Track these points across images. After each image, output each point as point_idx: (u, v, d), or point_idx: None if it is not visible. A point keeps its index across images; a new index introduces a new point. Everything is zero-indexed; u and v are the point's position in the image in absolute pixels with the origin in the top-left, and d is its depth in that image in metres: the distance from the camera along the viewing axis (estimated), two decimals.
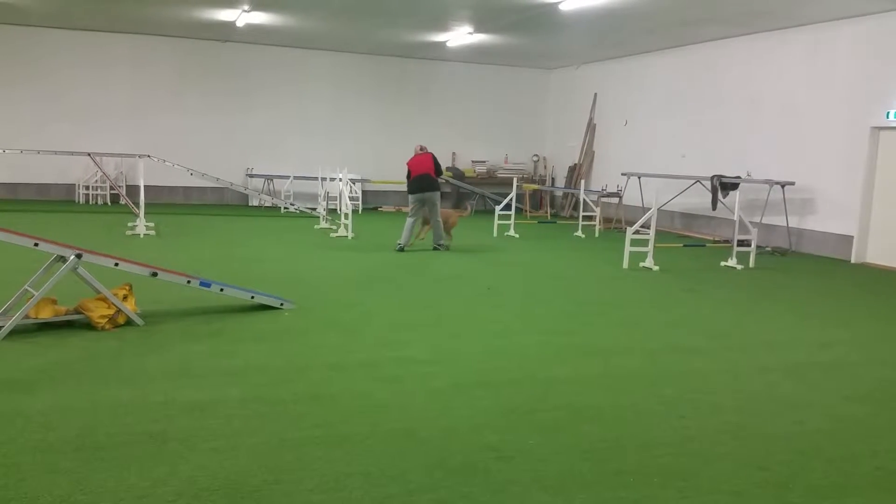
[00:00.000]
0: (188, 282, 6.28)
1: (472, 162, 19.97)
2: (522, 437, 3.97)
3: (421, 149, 11.59)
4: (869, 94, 11.66)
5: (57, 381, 4.59)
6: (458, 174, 19.35)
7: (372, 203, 18.86)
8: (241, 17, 14.33)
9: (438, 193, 11.35)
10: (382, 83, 19.41)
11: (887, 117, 11.36)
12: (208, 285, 6.38)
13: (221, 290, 6.47)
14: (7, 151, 14.19)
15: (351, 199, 13.28)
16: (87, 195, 16.73)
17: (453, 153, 19.78)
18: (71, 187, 16.91)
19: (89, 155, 14.54)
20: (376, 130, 19.38)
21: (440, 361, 5.40)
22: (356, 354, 5.49)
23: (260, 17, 14.48)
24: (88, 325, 5.71)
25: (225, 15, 14.36)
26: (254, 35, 16.64)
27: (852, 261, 11.91)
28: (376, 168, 18.69)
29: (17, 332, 5.42)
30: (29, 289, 5.66)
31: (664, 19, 13.01)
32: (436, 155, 11.50)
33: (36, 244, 5.51)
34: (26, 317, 5.50)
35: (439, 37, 15.98)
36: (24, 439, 3.66)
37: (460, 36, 15.68)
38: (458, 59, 18.98)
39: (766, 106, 13.58)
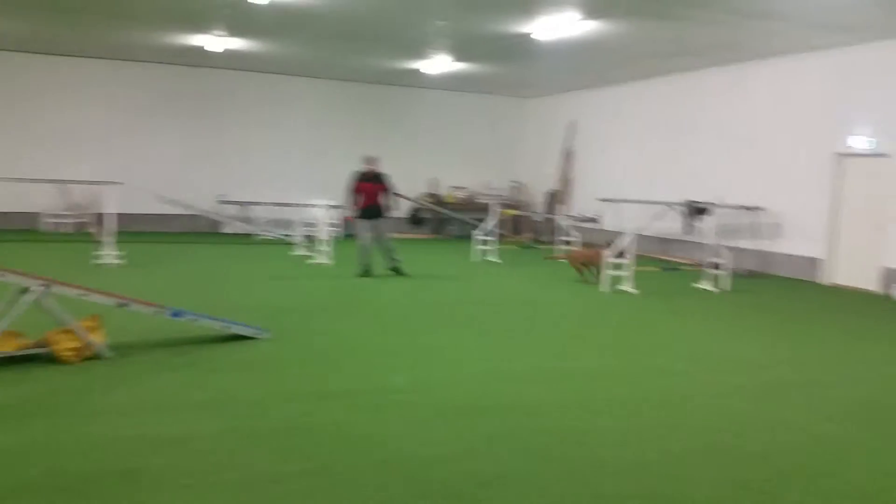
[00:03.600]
0: (158, 312, 6.09)
1: (452, 188, 19.96)
2: (506, 464, 3.88)
3: (368, 162, 11.11)
4: (832, 123, 12.00)
5: (22, 417, 4.38)
6: (437, 200, 19.33)
7: (350, 230, 18.70)
8: (217, 42, 14.24)
9: (385, 220, 11.09)
10: (361, 109, 19.38)
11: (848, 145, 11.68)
12: (180, 315, 6.20)
13: (194, 320, 6.29)
14: None
15: (329, 225, 13.14)
16: (52, 223, 16.36)
17: (432, 179, 19.76)
18: (35, 216, 16.52)
19: (58, 182, 14.23)
20: (355, 157, 19.24)
21: (421, 389, 5.28)
22: (335, 384, 5.35)
23: (236, 43, 14.40)
24: (54, 359, 5.48)
25: (199, 40, 14.25)
26: (229, 60, 16.53)
27: (821, 282, 12.09)
28: None
29: None
30: None
31: (636, 52, 13.23)
32: (385, 175, 11.06)
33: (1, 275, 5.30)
34: None
35: (417, 64, 16.04)
36: None
37: (438, 64, 15.75)
38: (437, 86, 19.04)
39: (736, 134, 13.87)
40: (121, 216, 12.37)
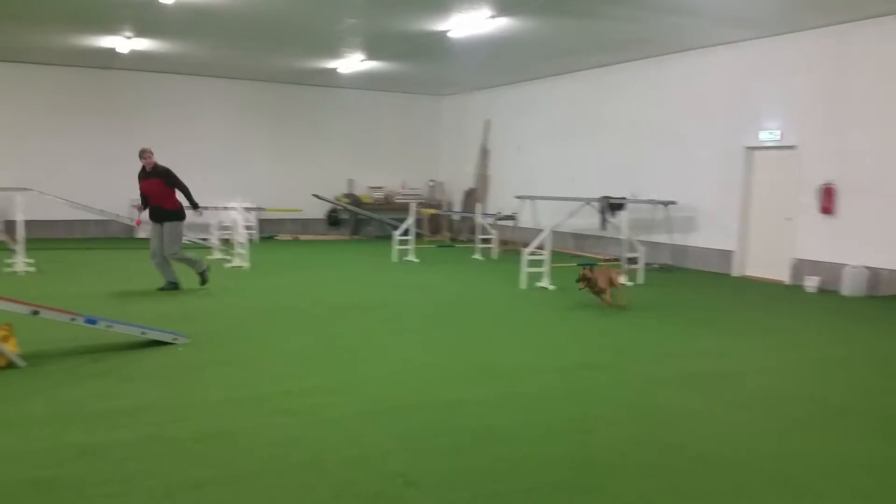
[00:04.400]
0: (73, 319, 5.98)
1: (369, 188, 20.03)
2: (430, 462, 4.00)
3: (146, 155, 9.38)
4: (742, 117, 12.52)
5: None
6: (355, 200, 19.36)
7: (268, 232, 18.52)
8: (124, 43, 13.89)
9: (178, 224, 9.47)
10: (276, 110, 19.23)
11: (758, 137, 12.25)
12: (95, 322, 6.10)
13: (109, 326, 6.20)
14: None
15: (246, 227, 13.00)
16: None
17: (349, 179, 19.78)
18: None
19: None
20: (271, 158, 19.16)
21: (342, 390, 5.37)
22: (255, 388, 5.37)
23: (144, 44, 14.07)
24: None
25: (108, 42, 13.87)
26: (139, 62, 16.14)
27: (733, 274, 12.67)
28: (271, 196, 18.43)
29: None
30: None
31: (549, 48, 13.56)
32: (171, 171, 9.46)
33: None
34: None
35: (331, 63, 16.02)
36: None
37: (352, 63, 15.78)
38: (351, 85, 19.06)
39: (648, 129, 14.36)
40: (31, 223, 11.95)
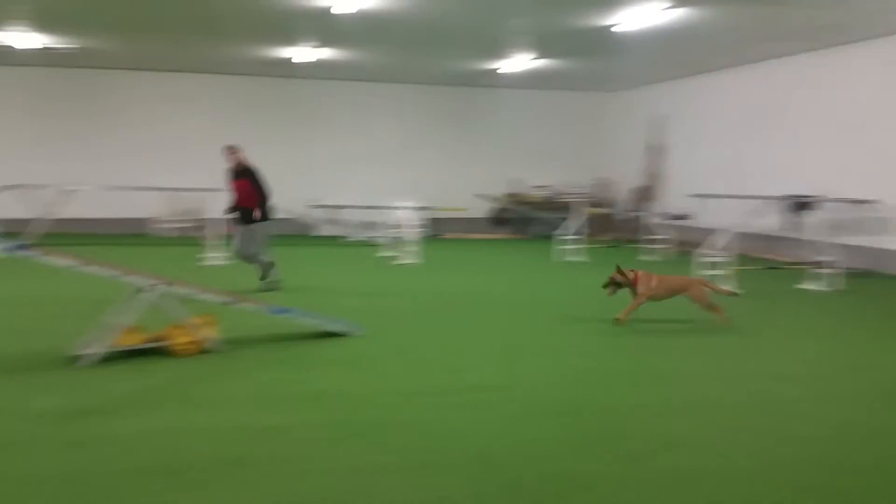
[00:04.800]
0: (262, 310, 6.43)
1: (533, 187, 19.96)
2: (601, 465, 3.91)
3: (230, 151, 9.30)
4: None
5: (143, 406, 4.76)
6: (519, 199, 19.37)
7: (436, 230, 18.99)
8: (306, 53, 14.80)
9: (256, 226, 9.17)
10: (442, 112, 19.71)
11: None
12: (282, 312, 6.52)
13: (295, 317, 6.60)
14: (88, 188, 14.86)
15: (414, 226, 13.41)
16: (161, 228, 17.34)
17: (514, 178, 19.83)
18: (144, 221, 17.53)
19: (165, 189, 15.09)
20: (439, 159, 19.64)
21: (513, 387, 5.37)
22: (428, 381, 5.52)
23: (324, 53, 14.91)
24: (171, 353, 5.89)
25: (288, 52, 14.86)
26: (317, 70, 17.14)
27: None
28: (440, 195, 18.86)
29: (105, 359, 5.64)
30: (114, 318, 5.90)
31: (728, 38, 12.84)
32: (258, 171, 9.29)
33: (121, 276, 5.75)
34: (113, 345, 5.72)
35: (496, 64, 16.17)
36: (115, 463, 3.79)
37: (516, 63, 15.82)
38: (517, 85, 19.09)
39: (841, 121, 13.19)
40: (221, 221, 13.01)
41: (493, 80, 18.21)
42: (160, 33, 13.23)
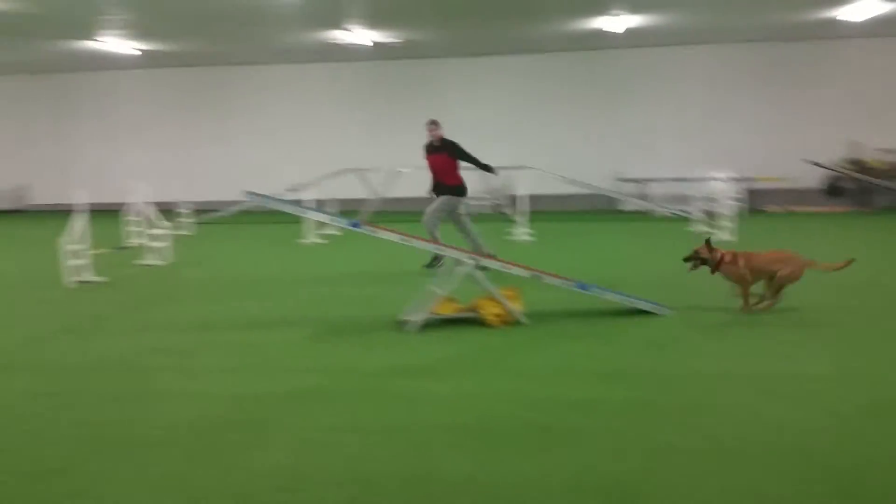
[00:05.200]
0: (567, 285, 6.50)
1: (878, 151, 17.40)
2: None
3: (432, 126, 9.06)
4: None
5: (457, 369, 5.10)
6: (860, 166, 17.05)
7: (757, 203, 17.55)
8: (617, 22, 14.50)
9: (455, 199, 8.95)
10: (762, 71, 18.11)
11: None
12: (586, 289, 6.53)
13: (599, 293, 6.57)
14: (411, 169, 16.32)
15: (730, 199, 12.53)
16: (473, 205, 18.40)
17: (853, 142, 17.48)
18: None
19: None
20: (760, 123, 18.09)
21: (844, 380, 4.76)
22: (742, 365, 5.12)
23: (635, 21, 14.48)
24: (482, 322, 6.23)
25: (599, 23, 14.67)
26: (627, 39, 16.71)
27: None
28: (757, 164, 17.37)
29: (425, 326, 6.15)
30: (434, 289, 6.41)
31: None
32: (457, 143, 9.04)
33: (439, 249, 6.20)
34: (431, 313, 6.22)
35: (835, 11, 14.27)
36: (433, 420, 4.11)
37: (865, 7, 13.78)
38: (860, 34, 16.71)
39: None
40: (530, 197, 13.41)
41: (829, 30, 16.18)
42: (474, 18, 13.93)
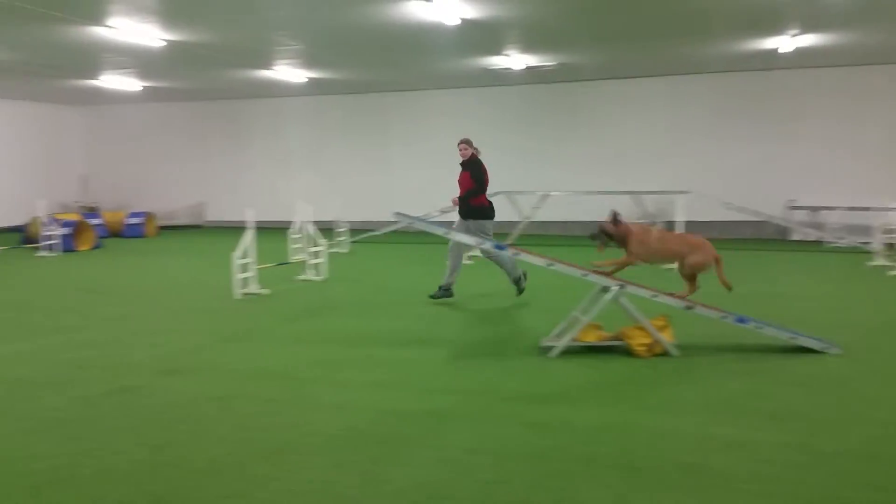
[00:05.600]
0: (723, 317, 6.17)
1: None
2: None
3: (463, 145, 8.83)
4: None
5: (600, 399, 4.96)
6: None
7: None
8: (788, 42, 13.70)
9: (482, 223, 8.66)
10: None
11: None
12: (745, 322, 6.16)
13: (759, 328, 6.19)
14: (560, 193, 16.18)
15: None
16: None
17: None
18: None
19: (630, 193, 15.58)
20: None
21: None
22: None
23: (809, 40, 13.62)
24: (627, 352, 6.05)
25: (769, 43, 13.92)
26: (798, 59, 15.73)
27: None
28: None
29: (567, 352, 6.05)
30: (577, 315, 6.30)
31: None
32: (480, 164, 8.78)
33: (585, 275, 6.10)
34: (574, 339, 6.11)
35: None
36: (572, 450, 4.03)
37: None
38: None
39: None
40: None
41: None
42: (633, 41, 13.66)
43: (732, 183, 17.33)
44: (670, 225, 13.49)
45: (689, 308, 6.17)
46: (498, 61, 15.42)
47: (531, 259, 6.21)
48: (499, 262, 8.69)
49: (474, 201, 8.68)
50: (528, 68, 16.24)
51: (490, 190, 8.93)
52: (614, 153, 18.53)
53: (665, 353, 6.01)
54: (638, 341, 6.02)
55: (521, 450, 4.02)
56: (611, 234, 6.34)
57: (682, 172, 17.61)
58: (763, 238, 17.30)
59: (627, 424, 4.43)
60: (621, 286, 6.01)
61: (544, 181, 17.65)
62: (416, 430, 4.36)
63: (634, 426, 4.40)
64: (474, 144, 8.95)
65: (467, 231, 8.28)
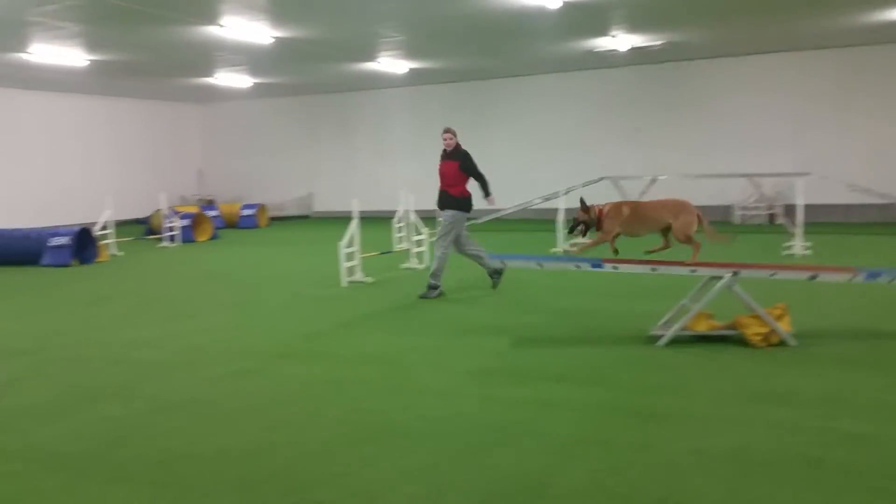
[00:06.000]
0: (852, 278, 5.75)
1: None
2: None
3: (447, 134, 8.59)
4: None
5: (711, 390, 4.78)
6: None
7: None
8: None
9: (456, 213, 8.47)
10: None
11: None
12: (877, 276, 5.72)
13: (893, 279, 5.71)
14: (670, 177, 15.66)
15: None
16: (743, 215, 17.23)
17: None
18: (728, 208, 17.62)
19: (746, 176, 14.91)
20: None
21: None
22: None
23: None
24: (741, 342, 5.80)
25: None
26: None
27: None
28: None
29: (676, 341, 5.87)
30: (687, 303, 6.10)
31: None
32: (469, 155, 8.53)
33: (693, 271, 5.87)
34: (684, 328, 5.91)
35: None
36: (683, 442, 3.90)
37: None
38: None
39: None
40: (809, 207, 12.23)
41: None
42: (752, 15, 13.02)
43: (856, 163, 16.31)
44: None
45: (812, 277, 5.83)
46: (602, 43, 15.06)
47: (629, 269, 6.00)
48: (476, 257, 8.75)
49: (459, 193, 8.56)
50: (634, 49, 15.78)
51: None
52: (728, 134, 17.76)
53: (782, 343, 5.73)
54: (753, 331, 5.76)
55: (630, 440, 3.94)
56: (585, 221, 6.44)
57: (801, 153, 16.74)
58: (890, 221, 16.18)
59: (742, 416, 4.26)
60: (734, 273, 5.77)
61: (652, 165, 17.15)
62: (523, 417, 4.35)
63: (750, 418, 4.22)
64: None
65: (443, 223, 8.54)
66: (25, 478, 3.68)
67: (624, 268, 6.01)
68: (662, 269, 5.96)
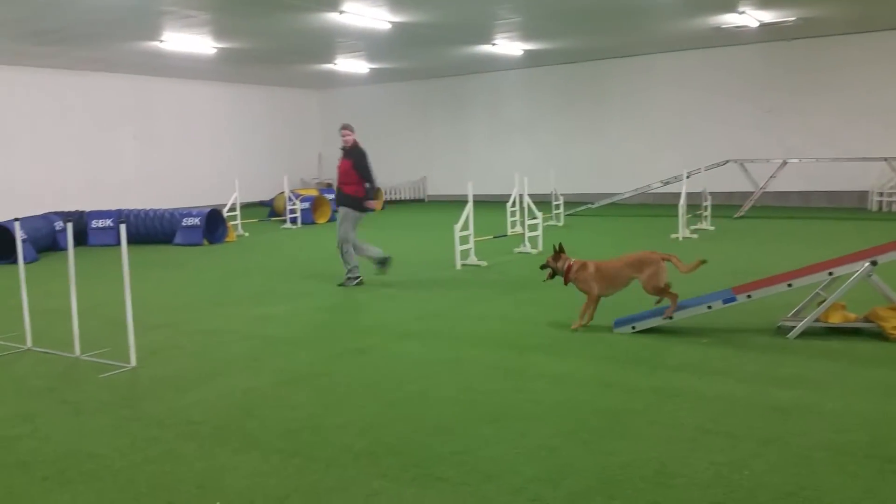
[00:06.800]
0: None
1: None
2: None
3: (345, 131, 8.47)
4: None
5: (846, 385, 4.53)
6: None
7: None
8: None
9: (349, 211, 8.42)
10: None
11: None
12: None
13: None
14: (802, 161, 14.81)
15: None
16: (881, 202, 16.06)
17: None
18: (864, 194, 16.48)
19: (886, 160, 13.91)
20: None
21: None
22: None
23: None
24: (878, 335, 5.44)
25: None
26: None
27: None
28: None
29: (807, 333, 5.57)
30: (821, 293, 5.77)
31: None
32: (364, 154, 8.42)
33: (830, 273, 5.52)
34: (817, 320, 5.60)
35: None
36: (814, 437, 3.72)
37: None
38: None
39: None
40: None
41: None
42: None
43: None
44: None
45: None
46: (730, 19, 14.34)
47: (766, 291, 5.63)
48: (365, 253, 8.73)
49: (353, 191, 8.42)
50: (764, 25, 14.94)
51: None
52: (865, 115, 16.55)
53: None
54: (892, 324, 5.39)
55: (758, 433, 3.79)
56: (553, 268, 6.33)
57: None
58: None
59: (878, 412, 4.02)
60: (873, 262, 5.40)
61: (781, 148, 16.28)
62: (643, 405, 4.27)
63: (887, 414, 3.97)
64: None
65: (340, 220, 8.51)
66: (165, 443, 3.94)
67: (758, 293, 5.66)
68: (797, 283, 5.57)
